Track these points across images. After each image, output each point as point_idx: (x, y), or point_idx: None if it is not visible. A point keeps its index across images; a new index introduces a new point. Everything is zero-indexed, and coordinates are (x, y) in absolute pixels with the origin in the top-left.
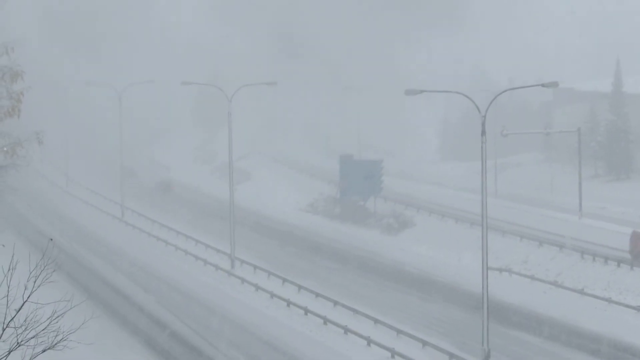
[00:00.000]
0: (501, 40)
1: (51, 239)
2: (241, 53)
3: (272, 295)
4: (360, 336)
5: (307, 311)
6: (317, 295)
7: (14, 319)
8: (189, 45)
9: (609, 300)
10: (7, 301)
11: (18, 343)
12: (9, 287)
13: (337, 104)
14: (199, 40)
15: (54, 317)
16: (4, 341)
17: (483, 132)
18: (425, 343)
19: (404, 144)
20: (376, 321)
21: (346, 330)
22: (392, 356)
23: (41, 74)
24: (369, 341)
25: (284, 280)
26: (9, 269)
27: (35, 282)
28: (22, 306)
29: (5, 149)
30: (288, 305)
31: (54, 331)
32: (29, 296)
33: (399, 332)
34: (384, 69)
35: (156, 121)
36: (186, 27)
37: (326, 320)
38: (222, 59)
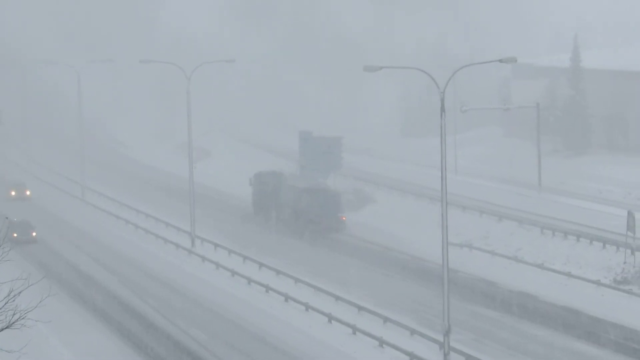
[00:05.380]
0: (461, 16)
1: (6, 217)
2: (203, 32)
3: (233, 273)
4: (322, 313)
5: (268, 289)
6: (278, 272)
7: None
8: (153, 23)
9: (568, 275)
10: None
11: None
12: None
13: (297, 80)
14: (162, 19)
15: (10, 296)
16: None
17: (442, 109)
18: (386, 319)
19: (364, 121)
20: (337, 298)
21: (307, 307)
22: (354, 332)
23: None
24: (330, 318)
25: (245, 258)
26: None
27: None
28: None
29: None
30: (249, 283)
31: (11, 310)
32: None
33: (360, 308)
34: (343, 45)
35: (118, 100)
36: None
37: (287, 298)
38: (185, 38)
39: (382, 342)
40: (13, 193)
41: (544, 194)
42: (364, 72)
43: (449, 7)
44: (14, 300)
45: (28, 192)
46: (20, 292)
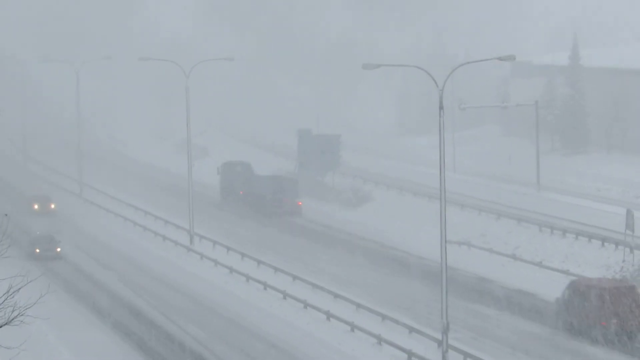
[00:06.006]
0: (460, 14)
1: (6, 215)
2: (202, 31)
3: (231, 270)
4: (320, 310)
5: (266, 286)
6: (276, 270)
7: None
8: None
9: (567, 273)
10: None
11: None
12: None
13: (296, 79)
14: (159, 19)
15: (9, 293)
16: None
17: (441, 106)
18: (384, 317)
19: (362, 119)
20: (336, 295)
21: (305, 304)
22: (352, 330)
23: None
24: (329, 315)
25: (243, 255)
26: None
27: None
28: None
29: None
30: (247, 280)
31: (10, 306)
32: None
33: (358, 306)
34: (342, 43)
35: (116, 98)
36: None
37: (285, 295)
38: (184, 36)
39: (380, 340)
40: (36, 207)
41: (543, 192)
42: (363, 72)
43: (446, 6)
44: (12, 297)
45: (52, 206)
46: (19, 289)
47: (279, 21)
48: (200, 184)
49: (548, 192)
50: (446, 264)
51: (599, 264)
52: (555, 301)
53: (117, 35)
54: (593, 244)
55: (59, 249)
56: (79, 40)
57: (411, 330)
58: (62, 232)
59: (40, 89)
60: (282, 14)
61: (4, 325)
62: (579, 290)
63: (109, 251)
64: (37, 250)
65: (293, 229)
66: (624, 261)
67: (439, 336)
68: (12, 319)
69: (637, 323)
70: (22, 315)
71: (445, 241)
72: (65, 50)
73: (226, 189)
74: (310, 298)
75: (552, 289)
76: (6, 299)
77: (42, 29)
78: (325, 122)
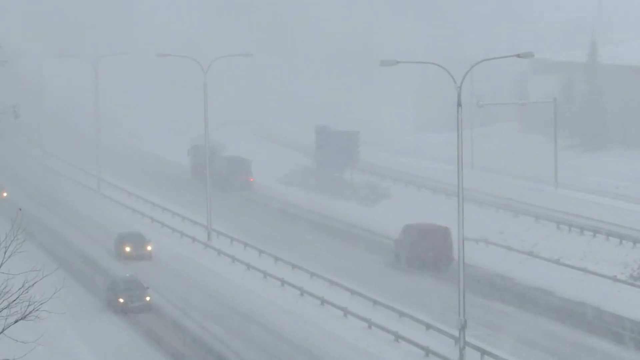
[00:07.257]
0: (478, 11)
1: (20, 209)
2: (213, 27)
3: (249, 266)
4: (337, 307)
5: (283, 283)
6: (294, 266)
7: None
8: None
9: (585, 270)
10: None
11: None
12: None
13: (313, 75)
14: (177, 17)
15: (24, 288)
16: None
17: (459, 103)
18: (402, 314)
19: (379, 116)
20: (353, 292)
21: (323, 301)
22: (369, 327)
23: (18, 48)
24: (346, 312)
25: (261, 251)
26: None
27: (5, 252)
28: None
29: None
30: (265, 277)
31: (26, 301)
32: None
33: (375, 303)
34: (360, 41)
35: (134, 94)
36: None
37: (303, 292)
38: (201, 32)
39: (397, 337)
40: (127, 249)
41: (560, 190)
42: (380, 70)
43: (464, 4)
44: (27, 292)
45: (149, 248)
46: (34, 284)
47: (294, 17)
48: None
49: (566, 189)
50: (463, 261)
51: (617, 262)
52: (394, 241)
53: (127, 32)
54: (611, 241)
55: (148, 298)
56: (92, 36)
57: (428, 327)
58: (79, 226)
59: (56, 85)
60: (297, 10)
61: (20, 320)
62: (407, 231)
63: None
64: (121, 301)
65: (312, 228)
66: None
67: (455, 333)
68: (28, 314)
69: (446, 256)
70: (37, 310)
71: (463, 238)
72: (79, 46)
73: (194, 169)
74: (327, 295)
75: (570, 286)
76: (21, 294)
77: (55, 25)
78: (342, 119)
